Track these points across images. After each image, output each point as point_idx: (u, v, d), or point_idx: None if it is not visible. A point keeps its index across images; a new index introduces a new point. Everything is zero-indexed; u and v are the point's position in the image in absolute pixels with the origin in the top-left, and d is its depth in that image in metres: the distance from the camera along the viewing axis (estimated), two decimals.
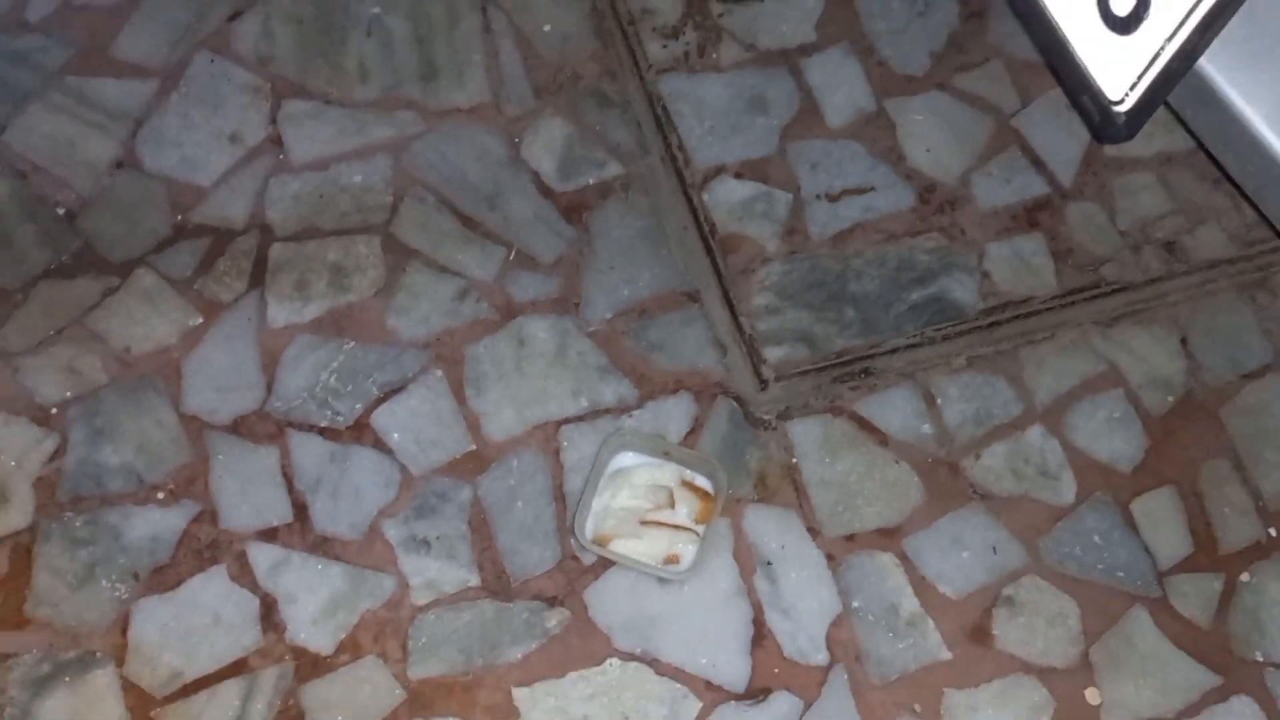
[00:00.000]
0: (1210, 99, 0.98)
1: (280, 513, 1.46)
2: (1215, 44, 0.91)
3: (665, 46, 1.75)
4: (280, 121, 1.67)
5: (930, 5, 1.80)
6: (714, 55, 1.75)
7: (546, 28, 1.76)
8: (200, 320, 1.54)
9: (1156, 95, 0.94)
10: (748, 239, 1.64)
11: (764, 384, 1.56)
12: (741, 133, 1.71)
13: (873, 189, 1.68)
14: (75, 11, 1.73)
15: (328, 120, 1.68)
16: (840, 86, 1.74)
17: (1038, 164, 1.71)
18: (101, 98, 1.67)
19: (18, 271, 1.56)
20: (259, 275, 1.57)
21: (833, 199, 1.67)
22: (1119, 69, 0.95)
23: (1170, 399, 1.60)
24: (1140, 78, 0.93)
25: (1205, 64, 0.97)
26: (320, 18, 1.74)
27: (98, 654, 1.38)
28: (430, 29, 1.74)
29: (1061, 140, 1.72)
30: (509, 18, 1.76)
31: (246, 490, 1.46)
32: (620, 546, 1.44)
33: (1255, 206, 1.04)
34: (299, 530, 1.45)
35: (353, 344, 1.55)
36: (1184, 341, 1.63)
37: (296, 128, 1.67)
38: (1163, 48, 0.91)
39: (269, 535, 1.45)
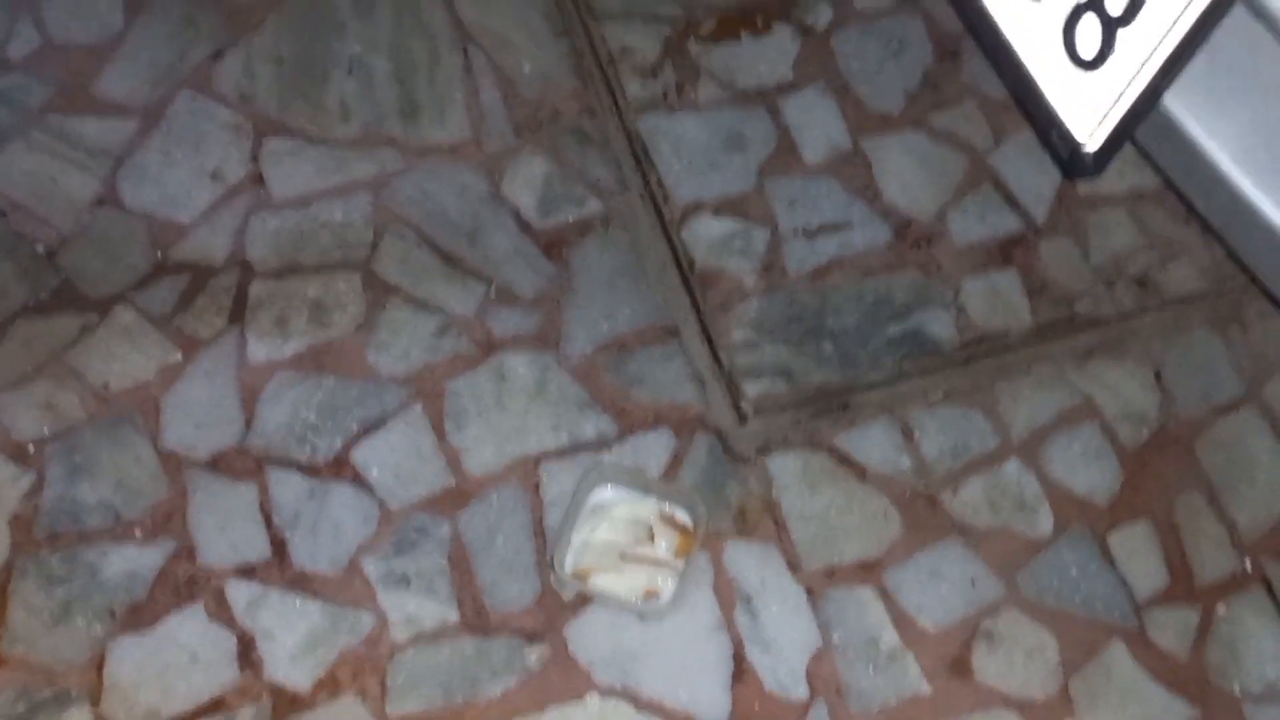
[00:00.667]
0: (1176, 137, 1.00)
1: (259, 549, 1.45)
2: (1179, 83, 0.93)
3: (644, 85, 1.77)
4: (261, 159, 1.68)
5: (904, 46, 1.83)
6: (692, 94, 1.77)
7: (526, 67, 1.78)
8: (180, 357, 1.54)
9: (1123, 133, 0.96)
10: (726, 275, 1.66)
11: (743, 418, 1.57)
12: (720, 170, 1.73)
13: (849, 225, 1.70)
14: (57, 50, 1.74)
15: (309, 158, 1.69)
16: (817, 125, 1.77)
17: (1011, 201, 1.74)
18: (82, 136, 1.68)
19: None
20: (239, 312, 1.58)
21: (810, 235, 1.69)
22: (1086, 108, 0.97)
23: (1145, 432, 1.62)
24: (1106, 116, 0.95)
25: (1170, 102, 0.99)
26: (302, 57, 1.76)
27: (73, 693, 1.37)
28: (411, 68, 1.76)
29: (1035, 177, 1.74)
30: (489, 57, 1.78)
31: (225, 527, 1.46)
32: (600, 581, 1.44)
33: (1223, 242, 1.06)
34: (277, 567, 1.44)
35: (333, 380, 1.55)
36: (1158, 375, 1.65)
37: (277, 165, 1.68)
38: (1127, 87, 0.93)
39: (247, 572, 1.44)
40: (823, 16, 1.84)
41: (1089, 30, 0.95)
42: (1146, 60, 0.91)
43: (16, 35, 1.74)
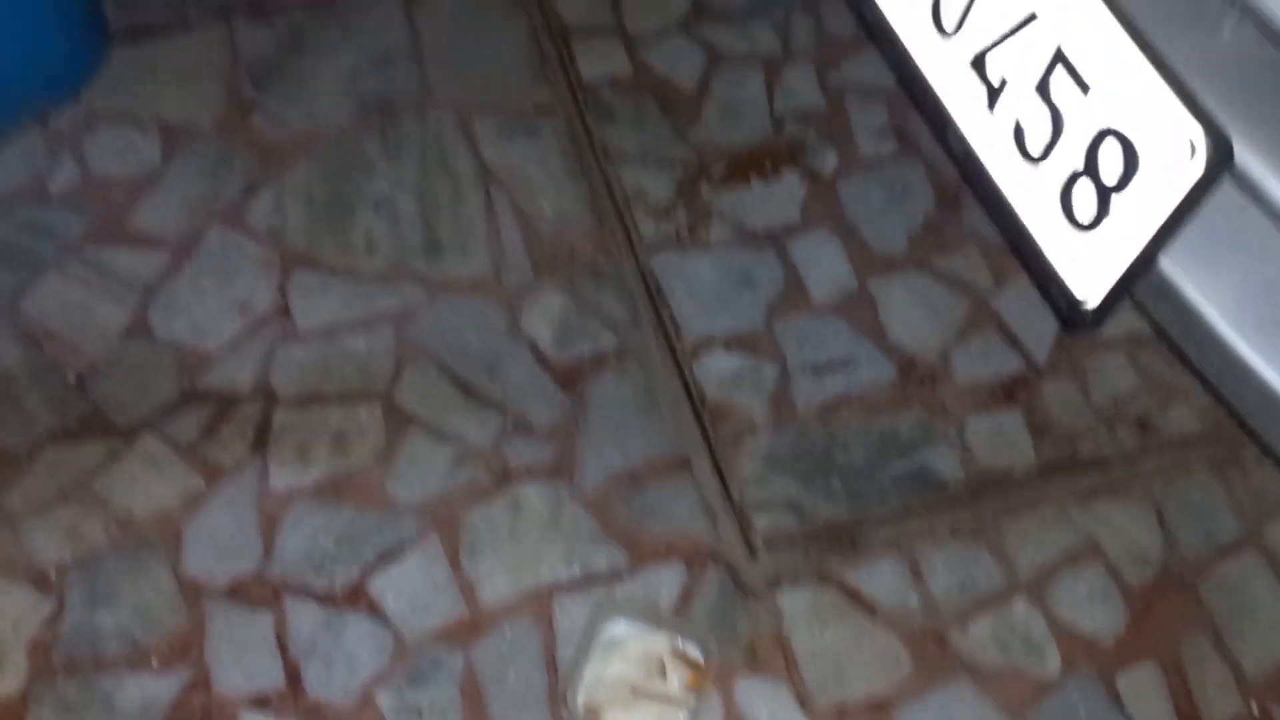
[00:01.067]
0: (1169, 294, 1.05)
1: (273, 679, 1.46)
2: (1173, 244, 0.98)
3: (658, 226, 1.84)
4: (288, 291, 1.74)
5: (907, 192, 1.91)
6: (704, 234, 1.84)
7: (546, 207, 1.85)
8: (203, 485, 1.57)
9: (1119, 292, 1.01)
10: (736, 409, 1.70)
11: (753, 551, 1.60)
12: (730, 308, 1.78)
13: (856, 363, 1.75)
14: (95, 185, 1.81)
15: (334, 291, 1.75)
16: (823, 265, 1.83)
17: (1013, 342, 1.79)
18: (116, 267, 1.73)
19: (25, 435, 1.59)
20: (262, 440, 1.61)
21: (818, 372, 1.74)
22: (1083, 268, 1.02)
23: (1149, 573, 1.63)
24: (1103, 276, 1.00)
25: (1164, 261, 1.04)
26: (331, 194, 1.83)
27: None
28: (435, 206, 1.83)
29: (1035, 320, 1.80)
30: (510, 197, 1.85)
31: (241, 656, 1.47)
32: (612, 717, 1.45)
33: (1217, 396, 1.10)
34: (291, 698, 1.45)
35: (351, 509, 1.57)
36: (1160, 516, 1.68)
37: (304, 298, 1.74)
38: (1123, 249, 0.98)
39: (262, 703, 1.44)
40: (828, 163, 1.93)
41: (1085, 195, 1.00)
42: (1141, 226, 0.97)
43: (58, 170, 1.81)
